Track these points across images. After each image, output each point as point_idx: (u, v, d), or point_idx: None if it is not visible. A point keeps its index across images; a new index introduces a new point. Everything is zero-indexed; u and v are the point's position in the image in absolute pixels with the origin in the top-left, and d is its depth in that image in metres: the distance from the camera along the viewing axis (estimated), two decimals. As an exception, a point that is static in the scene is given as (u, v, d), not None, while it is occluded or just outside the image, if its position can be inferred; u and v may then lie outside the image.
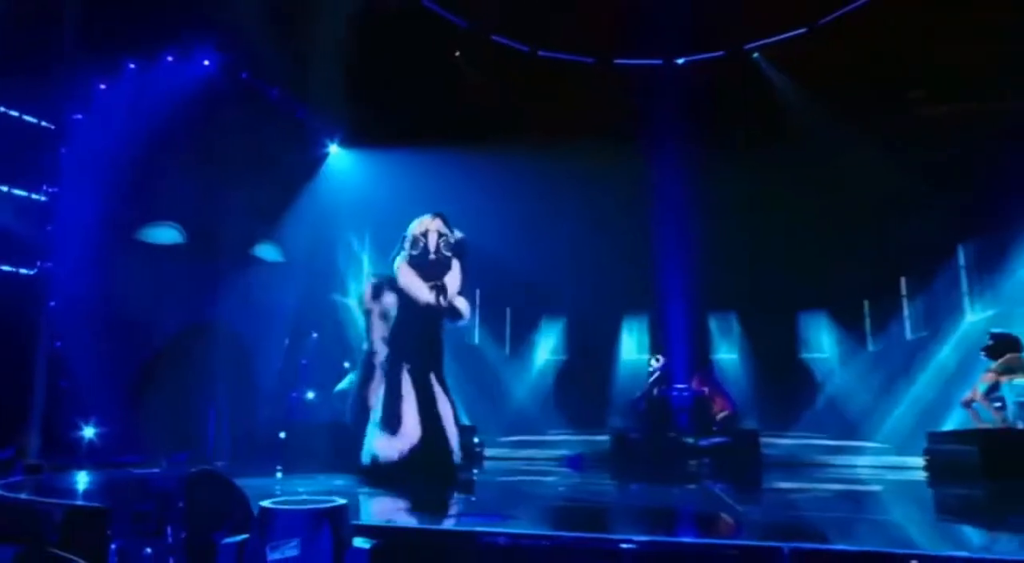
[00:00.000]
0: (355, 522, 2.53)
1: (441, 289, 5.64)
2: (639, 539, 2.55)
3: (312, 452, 7.77)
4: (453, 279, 5.75)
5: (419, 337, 5.67)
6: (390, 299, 6.02)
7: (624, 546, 2.45)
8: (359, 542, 2.29)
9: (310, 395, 10.01)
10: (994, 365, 7.24)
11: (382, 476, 5.18)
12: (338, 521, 2.14)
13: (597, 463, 8.64)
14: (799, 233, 10.93)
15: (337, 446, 7.86)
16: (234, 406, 7.91)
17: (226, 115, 8.36)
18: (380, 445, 5.26)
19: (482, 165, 9.91)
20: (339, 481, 5.60)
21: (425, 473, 5.24)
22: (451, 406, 5.67)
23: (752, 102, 10.66)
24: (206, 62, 8.65)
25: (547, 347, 13.13)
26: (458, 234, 5.90)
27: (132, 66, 7.96)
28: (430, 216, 5.86)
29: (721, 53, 10.98)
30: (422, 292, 5.63)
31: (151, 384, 7.21)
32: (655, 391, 10.64)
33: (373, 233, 12.19)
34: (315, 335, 10.52)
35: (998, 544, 3.17)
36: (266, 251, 9.75)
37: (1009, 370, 7.17)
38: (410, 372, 5.48)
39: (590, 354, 12.60)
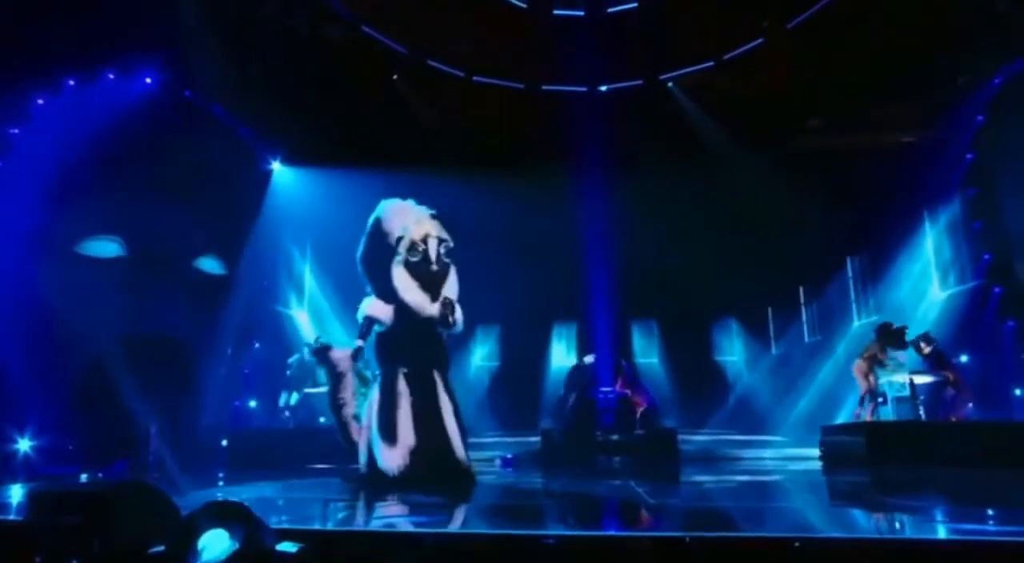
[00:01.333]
0: (282, 526, 2.45)
1: (448, 306, 5.32)
2: (560, 534, 2.55)
3: (255, 459, 7.61)
4: (452, 289, 5.46)
5: (414, 339, 5.36)
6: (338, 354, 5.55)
7: (547, 541, 2.45)
8: (285, 546, 2.21)
9: (252, 403, 9.90)
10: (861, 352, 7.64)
11: (386, 484, 4.92)
12: (250, 525, 2.05)
13: (529, 463, 8.64)
14: (710, 248, 11.22)
15: (280, 452, 7.86)
16: (176, 415, 7.60)
17: (169, 132, 8.11)
18: (380, 454, 4.98)
19: (418, 183, 9.83)
20: (279, 486, 5.46)
21: (432, 478, 4.97)
22: (453, 405, 5.35)
23: (667, 128, 10.96)
24: (148, 80, 8.37)
25: (481, 354, 13.10)
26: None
27: (71, 82, 7.66)
28: (427, 216, 5.46)
29: (639, 82, 11.24)
30: (425, 306, 5.33)
31: (89, 395, 6.87)
32: (578, 394, 10.61)
33: (314, 245, 12.06)
34: (257, 345, 10.40)
35: (880, 525, 3.28)
36: (208, 264, 9.43)
37: (872, 356, 7.50)
38: (407, 376, 5.19)
39: (522, 360, 12.61)
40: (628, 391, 10.42)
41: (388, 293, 5.40)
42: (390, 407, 5.08)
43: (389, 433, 4.98)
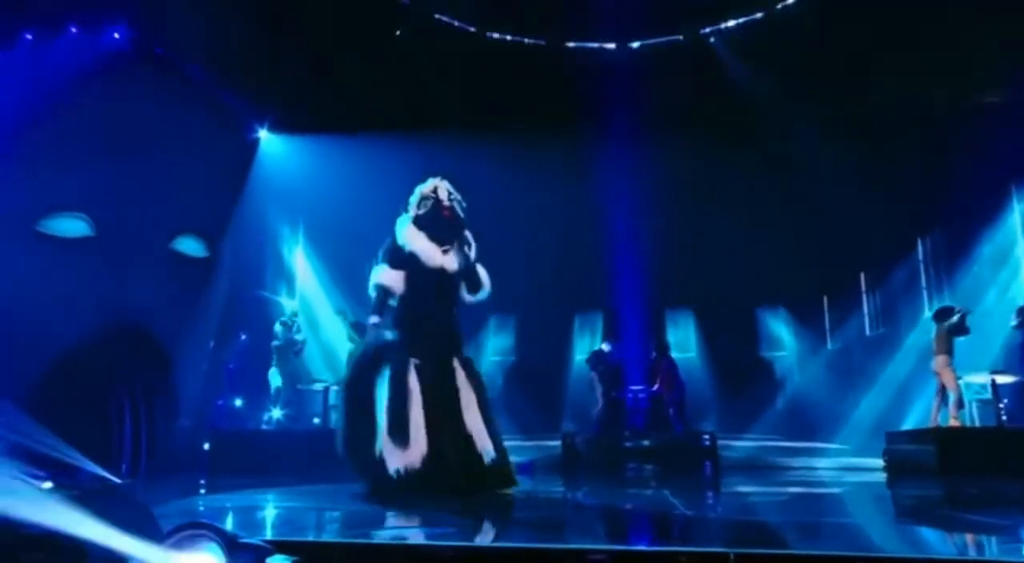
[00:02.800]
0: (273, 538, 2.46)
1: (457, 252, 5.25)
2: (585, 547, 2.54)
3: (240, 464, 7.68)
4: (470, 247, 5.39)
5: (428, 321, 5.24)
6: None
7: (597, 557, 2.46)
8: (278, 559, 2.26)
9: (238, 402, 9.93)
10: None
11: (395, 491, 4.81)
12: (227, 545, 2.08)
13: (548, 470, 8.68)
14: (757, 227, 11.14)
15: (268, 457, 7.93)
16: (152, 416, 7.68)
17: (140, 95, 8.07)
18: (389, 458, 4.86)
19: (423, 152, 9.83)
20: (269, 495, 5.48)
21: (447, 484, 4.86)
22: (477, 397, 5.24)
23: (708, 90, 10.78)
24: (116, 35, 8.34)
25: (494, 348, 13.13)
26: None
27: (28, 36, 7.56)
28: (436, 178, 5.48)
29: (677, 37, 11.09)
30: (434, 255, 5.21)
31: (54, 394, 6.95)
32: (608, 393, 10.77)
33: (308, 224, 12.11)
34: (243, 336, 10.38)
35: (948, 546, 3.26)
36: (188, 245, 9.49)
37: (948, 349, 7.49)
38: (418, 368, 5.06)
39: (540, 355, 12.63)
40: (662, 390, 10.41)
41: (396, 259, 5.32)
42: (402, 400, 4.96)
43: (401, 432, 4.89)
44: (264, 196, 10.88)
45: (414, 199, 5.43)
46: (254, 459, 7.87)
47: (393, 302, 5.30)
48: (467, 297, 5.43)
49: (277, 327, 9.99)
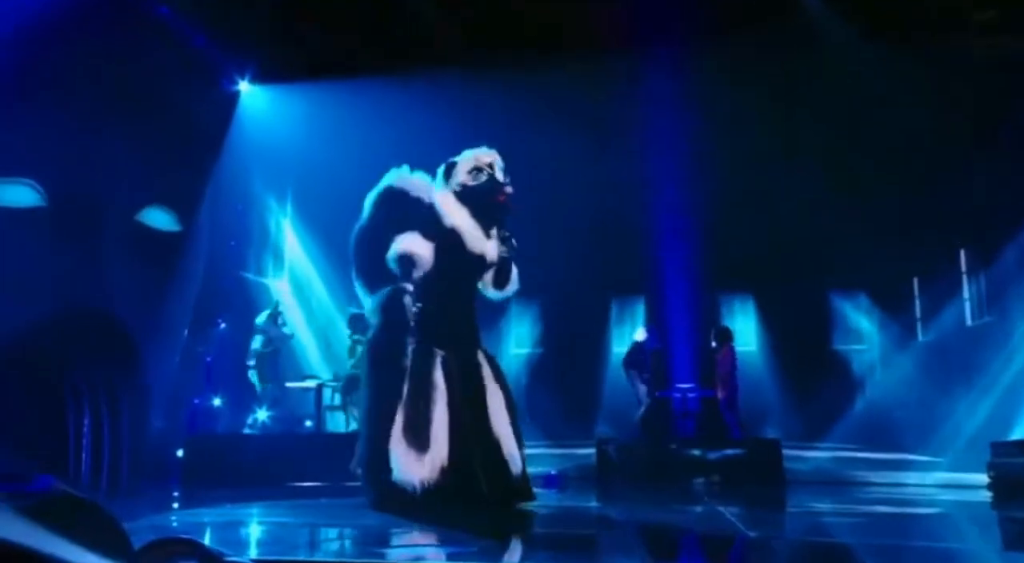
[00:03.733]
0: (264, 557, 2.46)
1: (508, 243, 5.37)
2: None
3: (220, 473, 7.78)
4: (513, 237, 5.52)
5: (457, 307, 5.38)
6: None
7: None
8: None
9: (217, 401, 10.03)
10: None
11: (405, 503, 4.87)
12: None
13: (582, 482, 8.75)
14: (834, 193, 10.97)
15: (253, 465, 8.02)
16: (116, 417, 7.78)
17: (97, 41, 8.06)
18: (403, 463, 4.95)
19: (430, 99, 9.85)
20: (253, 509, 5.54)
21: (468, 497, 4.94)
22: (505, 398, 5.37)
23: (776, 26, 10.41)
24: (70, -32, 8.33)
25: (517, 339, 13.14)
26: None
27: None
28: (489, 150, 5.56)
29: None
30: (479, 240, 5.33)
31: (2, 392, 7.04)
32: (651, 392, 10.87)
33: (297, 192, 12.27)
34: (222, 324, 10.51)
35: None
36: (157, 217, 9.54)
37: None
38: (444, 362, 5.16)
39: (570, 347, 12.64)
40: (718, 388, 10.36)
41: (430, 228, 5.37)
42: (426, 398, 5.03)
43: (419, 435, 4.93)
44: (246, 159, 10.97)
45: (462, 167, 5.47)
46: (236, 468, 7.97)
47: (417, 275, 5.35)
48: (491, 291, 5.55)
49: (260, 319, 10.12)
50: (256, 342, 10.03)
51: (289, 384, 10.27)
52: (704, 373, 11.14)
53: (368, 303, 5.66)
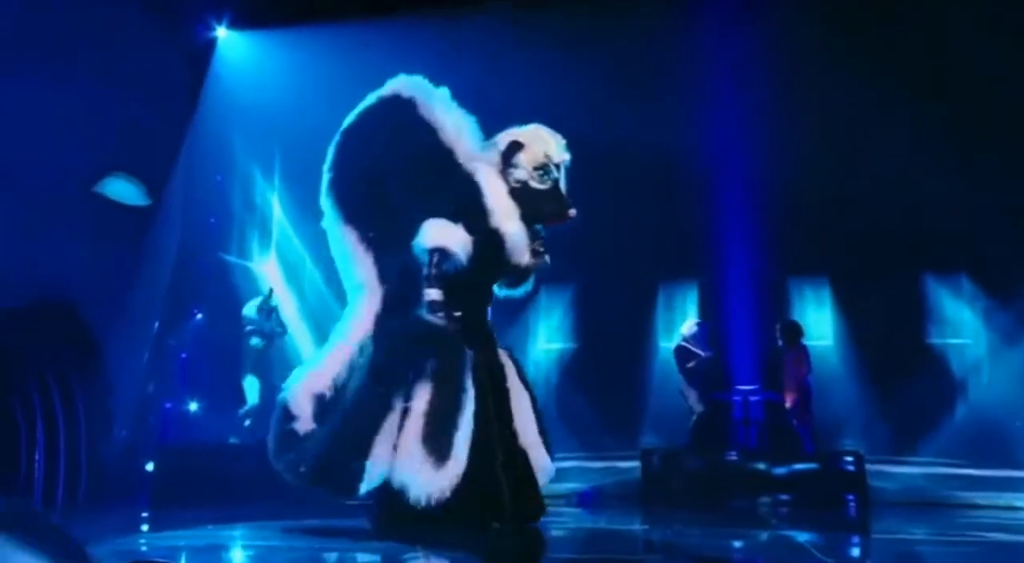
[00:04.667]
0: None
1: (541, 257, 5.58)
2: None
3: (197, 490, 7.83)
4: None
5: (480, 309, 5.57)
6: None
7: None
8: None
9: (193, 406, 10.11)
10: None
11: (415, 521, 4.95)
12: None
13: (623, 501, 8.85)
14: (930, 156, 10.79)
15: (235, 480, 8.09)
16: (74, 423, 7.85)
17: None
18: (416, 476, 4.98)
19: (450, 48, 9.88)
20: (236, 530, 5.61)
21: (490, 515, 5.06)
22: (531, 400, 5.56)
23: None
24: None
25: (547, 332, 13.12)
26: None
27: None
28: (553, 138, 5.63)
29: None
30: (521, 248, 5.46)
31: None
32: (706, 395, 10.91)
33: (286, 158, 12.23)
34: (199, 315, 10.61)
35: None
36: (120, 189, 9.53)
37: None
38: (474, 363, 5.25)
39: (610, 342, 12.62)
40: (787, 391, 10.33)
41: (473, 218, 5.38)
42: (455, 403, 5.06)
43: (440, 443, 4.95)
44: (226, 121, 11.00)
45: (527, 157, 5.47)
46: (216, 484, 8.03)
47: (449, 268, 5.38)
48: (503, 288, 5.71)
49: (250, 311, 10.15)
50: (253, 340, 10.11)
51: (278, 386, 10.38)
52: (769, 372, 11.11)
53: (340, 238, 5.57)
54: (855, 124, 11.17)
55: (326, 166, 5.67)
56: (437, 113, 5.63)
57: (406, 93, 5.69)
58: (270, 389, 9.91)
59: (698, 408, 10.88)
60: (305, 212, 11.98)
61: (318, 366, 5.50)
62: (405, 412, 5.12)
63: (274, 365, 10.22)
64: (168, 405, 9.91)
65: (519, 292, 5.69)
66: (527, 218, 5.45)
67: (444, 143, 5.57)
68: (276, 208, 12.42)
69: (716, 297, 12.48)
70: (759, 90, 11.05)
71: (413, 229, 5.33)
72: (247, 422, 9.87)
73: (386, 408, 5.18)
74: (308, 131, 10.97)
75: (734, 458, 9.75)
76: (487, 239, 5.37)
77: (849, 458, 9.37)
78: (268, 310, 10.28)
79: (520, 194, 5.46)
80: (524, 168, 5.50)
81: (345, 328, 5.55)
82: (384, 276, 5.55)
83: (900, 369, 11.69)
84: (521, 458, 5.27)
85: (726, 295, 12.28)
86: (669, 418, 11.46)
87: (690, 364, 10.92)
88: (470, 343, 5.29)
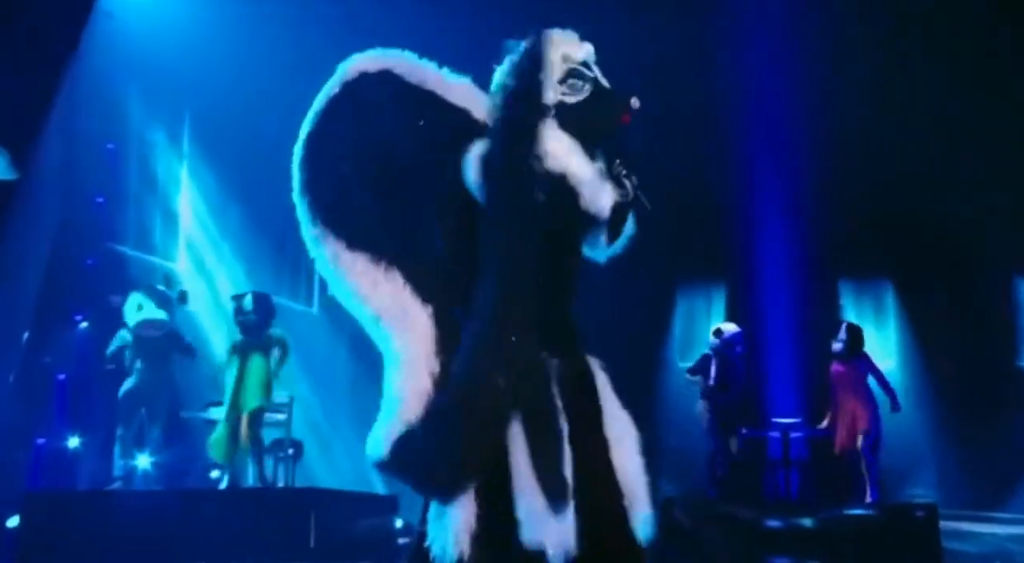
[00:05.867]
0: None
1: (626, 180, 5.19)
2: None
3: (77, 548, 7.82)
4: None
5: (560, 299, 5.16)
6: None
7: None
8: None
9: (74, 441, 10.01)
10: None
11: None
12: None
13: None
14: (1005, 132, 11.04)
15: (127, 536, 7.91)
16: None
17: None
18: (536, 520, 4.91)
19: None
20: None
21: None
22: (629, 421, 5.21)
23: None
24: None
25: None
26: None
27: None
28: (568, 37, 5.05)
29: None
30: (599, 189, 5.22)
31: None
32: (731, 429, 10.81)
33: (197, 122, 12.27)
34: (83, 323, 10.51)
35: None
36: (-21, 161, 9.61)
37: None
38: (560, 375, 4.92)
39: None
40: (839, 423, 10.21)
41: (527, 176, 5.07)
42: (554, 431, 4.82)
43: (551, 477, 4.85)
44: (117, 72, 10.88)
45: (549, 76, 5.05)
46: (103, 540, 7.91)
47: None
48: (598, 249, 5.34)
49: (136, 307, 9.81)
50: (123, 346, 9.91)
51: (188, 414, 10.39)
52: (817, 399, 11.04)
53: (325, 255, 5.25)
54: (927, 100, 11.40)
55: (296, 192, 5.29)
56: (429, 75, 5.34)
57: (374, 67, 5.35)
58: (171, 413, 10.10)
59: (725, 447, 10.76)
60: (224, 190, 12.35)
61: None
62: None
63: (175, 386, 10.11)
64: (40, 440, 9.78)
65: (618, 246, 5.36)
66: (588, 141, 5.23)
67: (456, 105, 5.29)
68: (185, 185, 12.30)
69: (748, 305, 12.55)
70: (808, 59, 11.33)
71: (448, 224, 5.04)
72: (137, 458, 9.75)
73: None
74: (228, 86, 11.27)
75: (772, 510, 9.69)
76: (557, 192, 5.09)
77: (919, 512, 9.26)
78: (172, 302, 10.11)
79: (565, 121, 5.22)
80: (551, 87, 5.27)
81: (400, 381, 5.20)
82: (426, 294, 5.22)
83: (984, 400, 11.77)
84: (617, 494, 4.87)
85: (760, 303, 12.35)
86: (691, 458, 11.42)
87: (712, 384, 10.78)
88: (558, 344, 4.79)
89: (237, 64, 11.11)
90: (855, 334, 10.37)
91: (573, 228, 5.11)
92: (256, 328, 9.64)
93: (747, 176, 11.87)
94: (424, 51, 5.31)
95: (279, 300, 10.63)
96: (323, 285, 15.56)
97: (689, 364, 11.92)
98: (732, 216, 12.08)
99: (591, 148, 5.08)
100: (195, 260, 12.17)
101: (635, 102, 5.09)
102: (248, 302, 9.56)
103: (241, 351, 9.58)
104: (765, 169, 11.79)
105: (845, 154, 11.61)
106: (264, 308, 9.65)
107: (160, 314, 9.90)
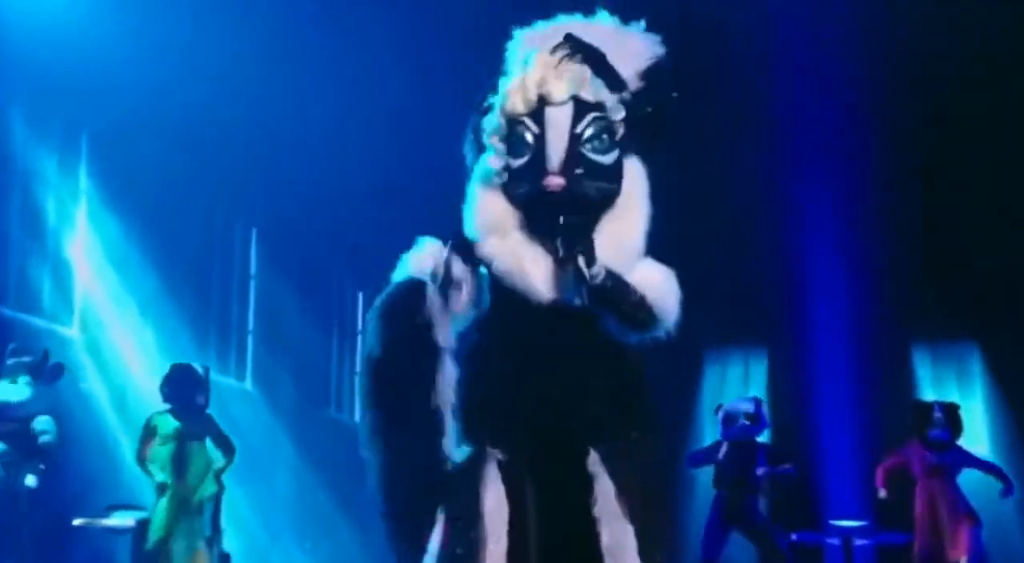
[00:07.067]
0: None
1: (578, 253, 4.98)
2: None
3: None
4: (622, 223, 4.91)
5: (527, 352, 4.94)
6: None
7: None
8: None
9: None
10: None
11: None
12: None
13: None
14: None
15: None
16: None
17: None
18: None
19: None
20: None
21: None
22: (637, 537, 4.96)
23: None
24: None
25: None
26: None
27: None
28: (548, 50, 4.94)
29: None
30: (530, 273, 4.88)
31: None
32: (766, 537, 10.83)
33: (95, 149, 12.29)
34: None
35: None
36: None
37: None
38: (508, 472, 4.81)
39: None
40: (927, 535, 10.10)
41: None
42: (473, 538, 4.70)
43: None
44: None
45: (493, 112, 5.03)
46: None
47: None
48: (626, 335, 4.96)
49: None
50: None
51: (81, 522, 10.33)
52: (890, 498, 10.81)
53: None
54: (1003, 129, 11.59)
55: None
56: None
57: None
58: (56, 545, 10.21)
59: (772, 556, 10.73)
60: (132, 235, 12.28)
61: None
62: None
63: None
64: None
65: (661, 329, 5.10)
66: (528, 207, 4.85)
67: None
68: (82, 229, 12.17)
69: (795, 377, 12.91)
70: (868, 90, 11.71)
71: None
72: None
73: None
74: (138, 102, 11.11)
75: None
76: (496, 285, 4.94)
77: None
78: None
79: (509, 185, 4.90)
80: (493, 146, 4.96)
81: None
82: None
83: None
84: None
85: (811, 374, 12.65)
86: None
87: (718, 477, 10.83)
88: (506, 438, 4.78)
89: (149, 75, 11.24)
90: (955, 415, 10.26)
91: (531, 319, 4.74)
92: (191, 411, 9.75)
93: (793, 215, 12.03)
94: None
95: (203, 373, 10.60)
96: (258, 354, 15.73)
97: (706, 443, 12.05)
98: (773, 266, 12.24)
99: (541, 213, 4.72)
100: (92, 323, 12.02)
101: (552, 181, 4.84)
102: (174, 381, 9.61)
103: (175, 438, 9.70)
104: (816, 208, 12.01)
105: (914, 191, 11.86)
106: (192, 386, 9.75)
107: (17, 394, 9.70)
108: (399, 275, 5.21)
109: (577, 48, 4.86)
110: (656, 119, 4.84)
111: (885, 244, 11.85)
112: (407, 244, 5.99)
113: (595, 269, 4.66)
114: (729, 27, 11.78)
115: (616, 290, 4.64)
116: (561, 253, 4.70)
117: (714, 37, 11.56)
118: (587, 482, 4.98)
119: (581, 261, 4.64)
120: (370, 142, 12.16)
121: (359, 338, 17.31)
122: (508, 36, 5.23)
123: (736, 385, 13.33)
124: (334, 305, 17.04)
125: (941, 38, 11.39)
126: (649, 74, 4.89)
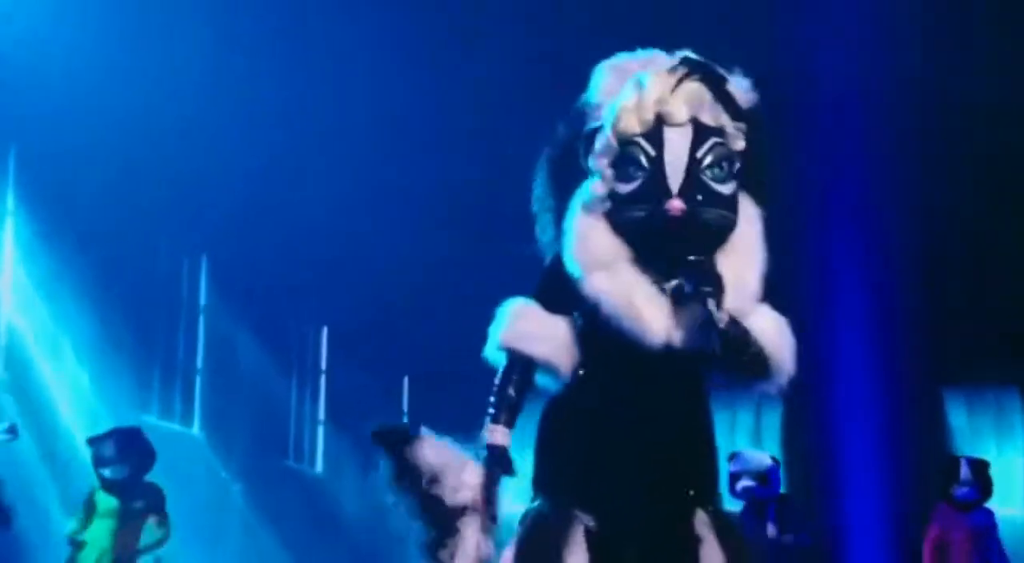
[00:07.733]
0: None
1: (706, 294, 4.81)
2: None
3: None
4: (739, 262, 4.97)
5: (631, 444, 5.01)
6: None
7: None
8: None
9: None
10: None
11: None
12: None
13: None
14: None
15: None
16: None
17: None
18: None
19: None
20: None
21: None
22: None
23: None
24: None
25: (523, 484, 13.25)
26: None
27: None
28: (666, 69, 5.04)
29: None
30: (642, 315, 4.90)
31: None
32: None
33: (23, 166, 12.55)
34: None
35: None
36: None
37: None
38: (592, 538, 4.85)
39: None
40: None
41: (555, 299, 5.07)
42: None
43: None
44: None
45: (603, 134, 5.09)
46: None
47: (543, 381, 5.07)
48: (737, 386, 5.14)
49: None
50: None
51: None
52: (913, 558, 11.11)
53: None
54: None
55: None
56: None
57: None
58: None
59: None
60: (65, 265, 12.40)
61: None
62: None
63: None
64: None
65: (774, 384, 4.89)
66: (639, 251, 4.93)
67: None
68: (9, 258, 12.15)
69: (811, 426, 13.12)
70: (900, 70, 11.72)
71: None
72: None
73: None
74: (74, 113, 10.97)
75: None
76: (592, 317, 4.96)
77: None
78: None
79: (618, 218, 4.97)
80: (602, 171, 5.00)
81: None
82: None
83: None
84: None
85: (831, 423, 12.82)
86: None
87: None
88: (597, 500, 4.87)
89: (86, 88, 11.35)
90: (983, 473, 10.31)
91: (633, 359, 4.81)
92: (125, 483, 9.68)
93: (815, 244, 12.11)
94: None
95: (147, 418, 10.32)
96: (207, 397, 15.71)
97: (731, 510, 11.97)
98: (787, 298, 11.89)
99: (660, 250, 4.84)
100: (18, 362, 12.01)
101: (675, 204, 4.72)
102: (109, 448, 9.57)
103: (109, 515, 9.68)
104: (841, 236, 12.21)
105: (948, 224, 12.07)
106: (133, 453, 9.70)
107: None
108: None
109: (697, 69, 4.96)
110: (759, 162, 4.91)
111: (915, 279, 12.06)
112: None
113: (721, 312, 4.71)
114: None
115: (738, 337, 4.67)
116: (687, 290, 4.67)
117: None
118: (693, 548, 4.77)
119: (711, 303, 4.66)
120: (334, 163, 12.08)
121: (322, 378, 17.66)
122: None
123: (746, 435, 13.47)
124: (293, 341, 16.85)
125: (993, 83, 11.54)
126: (751, 116, 4.98)
